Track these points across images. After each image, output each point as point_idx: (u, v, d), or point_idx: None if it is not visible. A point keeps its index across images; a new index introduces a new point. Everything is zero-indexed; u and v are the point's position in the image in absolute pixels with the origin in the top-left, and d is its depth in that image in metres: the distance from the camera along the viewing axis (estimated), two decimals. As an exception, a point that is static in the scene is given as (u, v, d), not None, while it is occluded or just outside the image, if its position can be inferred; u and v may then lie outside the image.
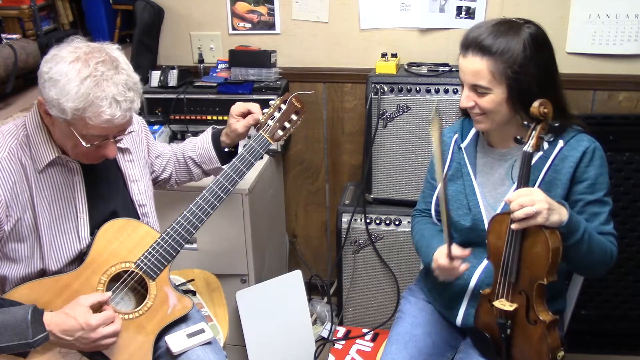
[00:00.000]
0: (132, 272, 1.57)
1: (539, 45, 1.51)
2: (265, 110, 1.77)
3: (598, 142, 1.55)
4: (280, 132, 1.76)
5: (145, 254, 1.57)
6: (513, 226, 1.38)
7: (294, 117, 1.78)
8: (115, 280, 1.57)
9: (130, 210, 1.66)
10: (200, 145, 1.86)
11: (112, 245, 1.55)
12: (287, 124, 1.78)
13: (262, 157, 2.31)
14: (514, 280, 1.45)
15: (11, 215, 1.44)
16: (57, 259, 1.52)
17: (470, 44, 1.50)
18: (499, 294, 1.49)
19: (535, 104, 1.38)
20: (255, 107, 1.79)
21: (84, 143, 1.40)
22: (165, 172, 1.86)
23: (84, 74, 1.35)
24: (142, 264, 1.57)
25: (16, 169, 1.45)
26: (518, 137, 1.43)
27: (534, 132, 1.40)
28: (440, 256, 1.56)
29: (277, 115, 1.75)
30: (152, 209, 1.73)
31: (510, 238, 1.42)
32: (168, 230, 1.60)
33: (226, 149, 1.84)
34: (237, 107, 1.80)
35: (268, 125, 1.74)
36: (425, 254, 1.72)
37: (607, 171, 1.53)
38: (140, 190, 1.68)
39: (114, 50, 1.44)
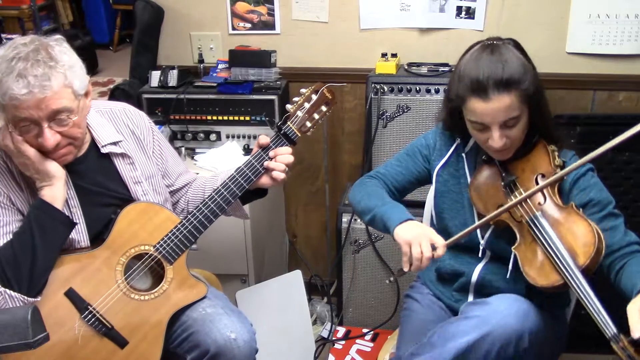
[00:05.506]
0: (151, 254, 1.58)
1: (525, 53, 1.52)
2: (296, 98, 1.68)
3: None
4: (308, 124, 1.67)
5: (165, 238, 1.58)
6: None
7: (323, 108, 1.69)
8: (137, 259, 1.58)
9: None
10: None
11: (133, 227, 1.57)
12: (316, 115, 1.68)
13: None
14: None
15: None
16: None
17: (488, 85, 1.42)
18: None
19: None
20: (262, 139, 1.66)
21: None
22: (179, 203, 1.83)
23: (2, 54, 1.36)
24: (161, 248, 1.58)
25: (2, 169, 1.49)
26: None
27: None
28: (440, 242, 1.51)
29: (307, 105, 1.66)
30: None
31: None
32: (188, 216, 1.61)
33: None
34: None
35: (297, 116, 1.64)
36: (373, 202, 1.64)
37: (604, 186, 1.53)
38: (145, 190, 1.67)
39: (55, 37, 1.43)
